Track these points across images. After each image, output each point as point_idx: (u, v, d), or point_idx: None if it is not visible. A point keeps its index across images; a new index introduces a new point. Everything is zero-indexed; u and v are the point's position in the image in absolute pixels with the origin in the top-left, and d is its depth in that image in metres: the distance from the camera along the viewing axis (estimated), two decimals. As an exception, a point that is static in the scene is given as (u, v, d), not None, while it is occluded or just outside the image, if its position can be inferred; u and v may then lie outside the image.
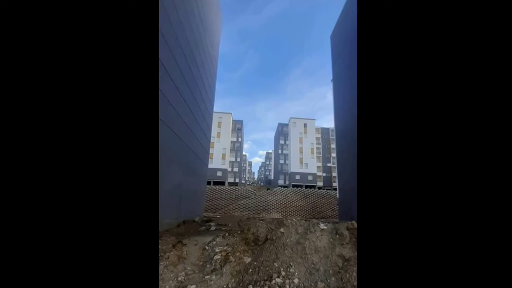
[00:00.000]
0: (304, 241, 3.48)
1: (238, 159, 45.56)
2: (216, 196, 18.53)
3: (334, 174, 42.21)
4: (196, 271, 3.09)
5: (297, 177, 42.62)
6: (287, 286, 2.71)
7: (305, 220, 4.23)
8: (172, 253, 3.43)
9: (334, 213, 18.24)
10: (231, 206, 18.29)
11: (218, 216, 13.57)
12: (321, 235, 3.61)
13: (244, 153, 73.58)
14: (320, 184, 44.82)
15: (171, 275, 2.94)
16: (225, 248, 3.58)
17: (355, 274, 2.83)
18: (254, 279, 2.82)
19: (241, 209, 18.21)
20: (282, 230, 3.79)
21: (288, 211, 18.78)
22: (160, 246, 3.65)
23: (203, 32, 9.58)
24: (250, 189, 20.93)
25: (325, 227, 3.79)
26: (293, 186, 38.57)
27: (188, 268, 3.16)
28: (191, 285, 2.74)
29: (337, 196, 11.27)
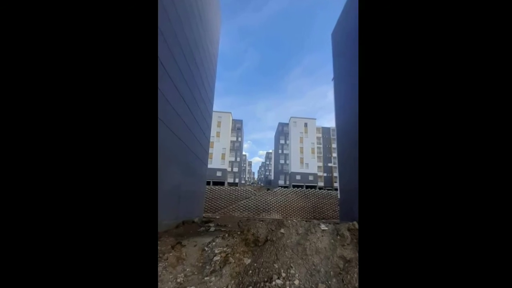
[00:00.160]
0: (304, 242, 3.45)
1: (238, 159, 45.57)
2: (216, 196, 18.49)
3: (335, 174, 42.33)
4: (195, 273, 3.06)
5: (298, 177, 42.61)
6: (288, 287, 2.68)
7: (306, 221, 4.21)
8: (171, 254, 3.39)
9: (335, 213, 18.20)
10: (231, 207, 18.26)
11: (217, 217, 13.55)
12: (322, 236, 3.58)
13: (244, 153, 73.82)
14: (321, 184, 44.83)
15: (170, 277, 2.91)
16: (224, 249, 3.55)
17: (356, 275, 2.81)
18: (254, 280, 2.80)
19: (241, 210, 18.18)
20: (282, 231, 3.76)
21: (288, 212, 18.75)
22: (158, 247, 3.62)
23: (203, 30, 9.55)
24: (250, 189, 20.89)
25: (326, 228, 3.76)
26: (294, 186, 38.57)
27: (187, 270, 3.14)
28: (190, 286, 2.71)
29: (338, 197, 11.25)
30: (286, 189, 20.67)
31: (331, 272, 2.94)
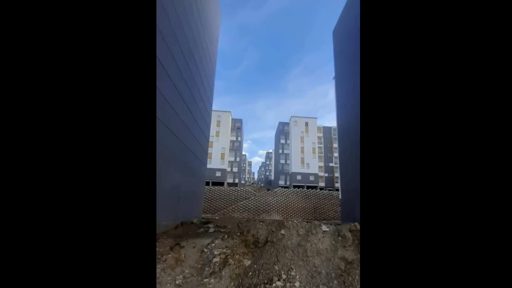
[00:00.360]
0: (305, 243, 3.44)
1: (238, 159, 45.62)
2: (215, 197, 18.45)
3: (337, 174, 42.38)
4: (195, 274, 3.04)
5: (298, 177, 42.58)
6: (288, 290, 2.64)
7: (307, 222, 4.21)
8: (169, 255, 3.37)
9: (337, 214, 18.15)
10: (231, 207, 18.23)
11: (217, 218, 13.53)
12: (323, 237, 3.57)
13: (243, 152, 73.95)
14: (322, 184, 44.78)
15: (169, 279, 2.89)
16: (224, 250, 3.53)
17: (357, 277, 2.81)
18: (254, 282, 2.79)
19: (241, 211, 18.14)
20: (283, 232, 3.75)
21: (289, 213, 18.72)
22: (157, 249, 3.60)
23: (202, 28, 9.51)
24: (250, 189, 20.88)
25: (327, 229, 3.75)
26: (294, 186, 38.52)
27: (186, 271, 3.11)
28: (189, 289, 2.68)
29: (340, 197, 11.21)
30: (287, 189, 20.63)
31: (332, 274, 2.94)
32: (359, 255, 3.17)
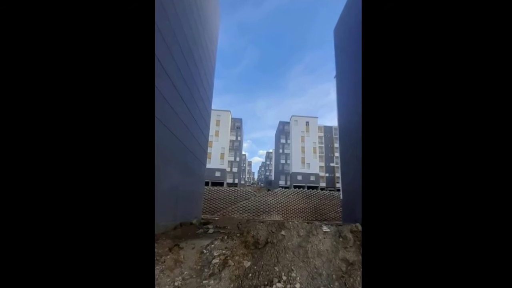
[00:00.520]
0: (306, 244, 3.42)
1: (237, 159, 45.62)
2: (215, 197, 18.41)
3: (338, 174, 42.36)
4: (194, 276, 3.02)
5: (299, 177, 42.52)
6: (289, 292, 2.62)
7: (307, 223, 4.18)
8: (168, 257, 3.36)
9: (338, 215, 18.13)
10: (230, 208, 18.20)
11: (216, 218, 13.52)
12: (324, 238, 3.55)
13: (243, 152, 73.90)
14: (323, 184, 44.67)
15: (168, 280, 2.88)
16: (223, 251, 3.51)
17: (359, 278, 2.79)
18: (254, 284, 2.77)
19: (241, 211, 18.12)
20: (283, 233, 3.72)
21: (289, 213, 18.69)
22: (156, 250, 3.59)
23: (201, 27, 9.49)
24: (249, 190, 20.87)
25: (328, 230, 3.72)
26: (295, 187, 38.46)
27: (185, 273, 3.09)
28: (188, 291, 2.66)
29: (341, 198, 11.20)
30: (287, 189, 20.63)
31: (334, 275, 2.92)
32: (360, 256, 3.15)
